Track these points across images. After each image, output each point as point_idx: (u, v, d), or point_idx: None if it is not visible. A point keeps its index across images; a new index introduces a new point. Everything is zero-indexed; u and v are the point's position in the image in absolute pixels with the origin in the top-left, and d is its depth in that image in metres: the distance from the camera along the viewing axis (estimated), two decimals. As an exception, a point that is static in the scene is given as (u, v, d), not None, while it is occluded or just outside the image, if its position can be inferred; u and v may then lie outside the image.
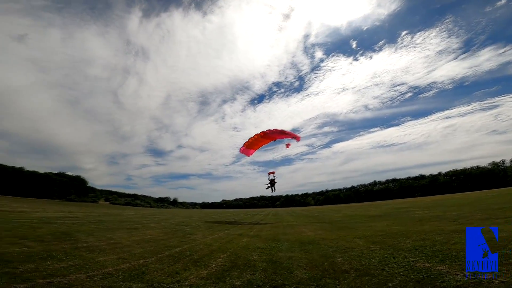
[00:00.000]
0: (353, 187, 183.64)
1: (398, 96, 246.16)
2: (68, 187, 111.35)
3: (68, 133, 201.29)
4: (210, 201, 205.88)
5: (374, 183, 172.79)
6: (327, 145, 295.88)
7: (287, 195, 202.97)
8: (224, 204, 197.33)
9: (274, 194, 28.04)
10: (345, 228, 17.15)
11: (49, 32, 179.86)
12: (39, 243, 8.83)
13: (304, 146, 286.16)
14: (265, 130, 22.05)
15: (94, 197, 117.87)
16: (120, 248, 9.27)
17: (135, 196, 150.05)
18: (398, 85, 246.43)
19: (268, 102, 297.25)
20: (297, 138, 22.93)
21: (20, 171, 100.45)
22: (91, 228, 15.27)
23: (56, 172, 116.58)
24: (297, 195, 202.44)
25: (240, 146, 26.20)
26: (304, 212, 56.34)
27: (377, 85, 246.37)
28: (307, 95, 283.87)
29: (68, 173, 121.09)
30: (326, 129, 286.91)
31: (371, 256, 7.80)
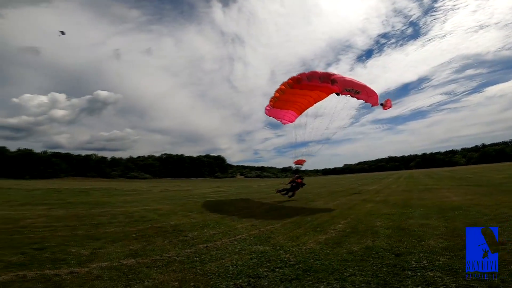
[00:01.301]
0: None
1: None
2: (214, 166, 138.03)
3: (205, 121, 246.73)
4: (332, 167, 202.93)
5: None
6: (476, 89, 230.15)
7: (424, 154, 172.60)
8: (347, 169, 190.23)
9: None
10: (511, 192, 13.41)
11: (163, 41, 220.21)
12: (200, 214, 11.45)
13: (440, 95, 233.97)
14: (296, 75, 12.96)
15: (232, 173, 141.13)
16: (253, 216, 10.91)
17: (262, 169, 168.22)
18: None
19: (379, 55, 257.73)
20: (372, 97, 11.68)
21: (181, 158, 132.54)
22: (232, 199, 18.66)
23: (203, 154, 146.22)
24: (438, 153, 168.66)
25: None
26: (449, 173, 46.99)
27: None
28: (428, 39, 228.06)
29: (212, 154, 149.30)
30: (470, 72, 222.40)
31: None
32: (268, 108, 16.05)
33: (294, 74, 12.73)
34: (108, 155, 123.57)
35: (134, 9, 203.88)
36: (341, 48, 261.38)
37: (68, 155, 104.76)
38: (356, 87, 11.27)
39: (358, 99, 11.60)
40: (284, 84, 13.53)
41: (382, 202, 13.47)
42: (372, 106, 12.15)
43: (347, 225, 8.21)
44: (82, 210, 12.21)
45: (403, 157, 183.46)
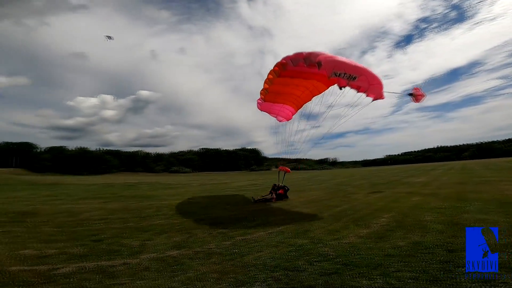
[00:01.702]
0: None
1: None
2: (249, 159, 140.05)
3: (240, 115, 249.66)
4: (372, 158, 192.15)
5: None
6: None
7: (480, 143, 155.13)
8: (389, 160, 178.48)
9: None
10: None
11: (194, 39, 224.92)
12: (236, 207, 11.80)
13: (496, 80, 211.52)
14: (281, 59, 10.15)
15: (267, 165, 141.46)
16: (290, 208, 10.88)
17: (298, 161, 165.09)
18: None
19: (420, 40, 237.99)
20: (374, 86, 8.61)
21: (218, 152, 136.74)
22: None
23: (239, 148, 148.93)
24: (495, 142, 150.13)
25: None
26: (509, 163, 41.86)
27: None
28: (476, 23, 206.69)
29: (248, 147, 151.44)
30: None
31: None
32: (260, 102, 13.42)
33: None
34: (152, 151, 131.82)
35: (164, 10, 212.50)
36: (376, 35, 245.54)
37: (118, 152, 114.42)
38: (350, 71, 8.18)
39: (358, 90, 8.56)
40: (271, 72, 10.91)
41: (431, 195, 12.47)
42: (374, 99, 8.83)
43: (392, 218, 7.76)
44: (132, 203, 13.27)
45: (455, 146, 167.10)
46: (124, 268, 4.53)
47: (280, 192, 13.57)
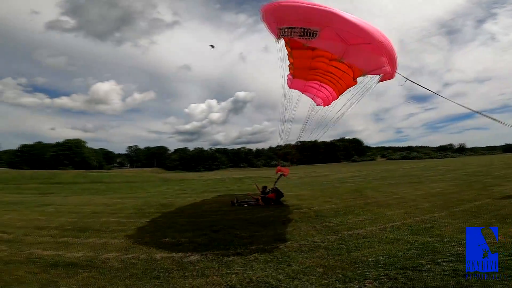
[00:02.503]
0: None
1: None
2: (350, 150, 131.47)
3: (333, 105, 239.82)
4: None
5: None
6: None
7: None
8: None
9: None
10: None
11: (270, 37, 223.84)
12: (341, 200, 11.13)
13: None
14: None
15: (371, 155, 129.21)
16: (405, 202, 9.52)
17: (409, 149, 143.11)
18: None
19: None
20: (366, 47, 4.91)
21: (315, 144, 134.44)
22: (375, 184, 17.05)
23: (337, 138, 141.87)
24: None
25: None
26: None
27: None
28: None
29: (347, 137, 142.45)
30: None
31: None
32: (290, 77, 10.84)
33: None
34: (253, 147, 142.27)
35: (240, 14, 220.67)
36: (491, 1, 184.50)
37: (225, 150, 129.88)
38: (300, 20, 4.66)
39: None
40: (285, 44, 8.17)
41: None
42: (366, 73, 5.68)
43: None
44: (241, 196, 14.54)
45: None
46: (237, 258, 4.88)
47: (270, 196, 11.27)
